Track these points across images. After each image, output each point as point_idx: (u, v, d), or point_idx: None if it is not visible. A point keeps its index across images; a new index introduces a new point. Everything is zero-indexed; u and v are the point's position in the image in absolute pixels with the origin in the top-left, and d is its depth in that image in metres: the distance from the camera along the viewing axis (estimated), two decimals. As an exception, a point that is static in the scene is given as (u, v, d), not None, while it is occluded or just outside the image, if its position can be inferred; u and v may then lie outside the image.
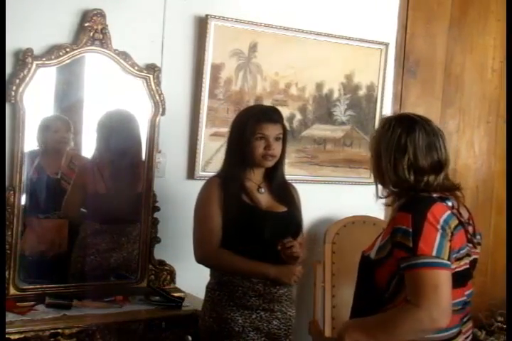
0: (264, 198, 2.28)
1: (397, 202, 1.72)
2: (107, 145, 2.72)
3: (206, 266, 2.26)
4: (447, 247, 1.56)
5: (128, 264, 2.74)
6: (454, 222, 1.62)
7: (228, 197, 2.19)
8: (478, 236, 1.77)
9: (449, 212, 1.62)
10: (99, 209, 2.71)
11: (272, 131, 2.24)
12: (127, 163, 2.74)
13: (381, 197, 1.80)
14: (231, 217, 2.18)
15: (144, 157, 2.72)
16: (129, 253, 2.74)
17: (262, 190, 2.29)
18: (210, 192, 2.21)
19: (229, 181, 2.21)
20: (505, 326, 3.32)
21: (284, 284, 2.22)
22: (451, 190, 1.73)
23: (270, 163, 2.27)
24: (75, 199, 2.69)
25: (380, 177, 1.74)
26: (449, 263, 1.56)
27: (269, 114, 2.28)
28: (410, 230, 1.56)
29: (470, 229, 1.72)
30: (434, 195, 1.67)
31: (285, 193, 2.36)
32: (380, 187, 1.79)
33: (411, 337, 1.59)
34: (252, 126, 2.21)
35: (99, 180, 2.70)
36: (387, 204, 1.78)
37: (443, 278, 1.53)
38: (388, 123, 1.74)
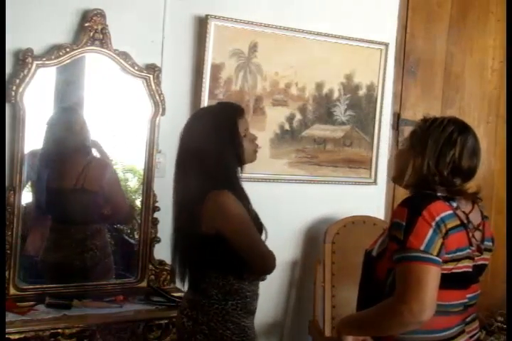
0: None
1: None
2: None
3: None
4: (438, 244, 1.56)
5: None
6: (454, 222, 1.61)
7: (245, 211, 2.06)
8: (487, 243, 1.76)
9: (450, 211, 1.62)
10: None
11: (247, 124, 2.15)
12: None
13: (397, 183, 1.83)
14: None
15: (143, 157, 2.72)
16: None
17: None
18: (239, 206, 2.02)
19: (238, 192, 2.05)
20: (505, 326, 3.32)
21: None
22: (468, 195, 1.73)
23: (256, 156, 2.18)
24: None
25: (406, 169, 1.73)
26: (437, 259, 1.56)
27: (241, 108, 2.16)
28: (403, 223, 1.58)
29: (478, 234, 1.72)
30: (439, 194, 1.67)
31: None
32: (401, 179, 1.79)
33: (396, 331, 1.61)
34: (237, 124, 2.06)
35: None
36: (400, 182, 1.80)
37: (428, 273, 1.53)
38: (440, 120, 1.74)
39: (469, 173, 1.72)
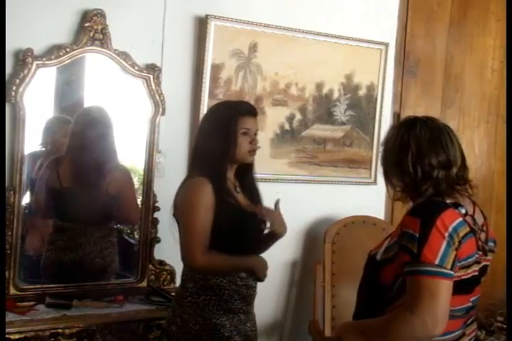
0: (240, 198, 2.20)
1: (411, 204, 1.72)
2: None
3: (198, 268, 2.10)
4: (452, 256, 1.54)
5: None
6: (465, 230, 1.59)
7: (219, 200, 2.08)
8: (490, 243, 1.75)
9: (460, 219, 1.60)
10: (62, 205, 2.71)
11: (254, 125, 2.18)
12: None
13: (396, 200, 1.80)
14: (221, 219, 2.08)
15: (143, 157, 2.72)
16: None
17: (238, 190, 2.21)
18: (204, 194, 2.06)
19: (218, 182, 2.09)
20: (505, 326, 3.32)
21: (258, 277, 2.18)
22: (462, 185, 1.71)
23: (252, 158, 2.20)
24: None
25: (389, 180, 1.75)
26: (451, 273, 1.54)
27: (250, 108, 2.22)
28: (417, 235, 1.55)
29: (483, 235, 1.70)
30: (448, 201, 1.65)
31: (256, 192, 2.27)
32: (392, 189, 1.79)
33: None
34: (237, 121, 2.12)
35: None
36: (395, 199, 1.78)
37: (442, 288, 1.52)
38: (393, 128, 1.78)
39: (445, 164, 1.67)
